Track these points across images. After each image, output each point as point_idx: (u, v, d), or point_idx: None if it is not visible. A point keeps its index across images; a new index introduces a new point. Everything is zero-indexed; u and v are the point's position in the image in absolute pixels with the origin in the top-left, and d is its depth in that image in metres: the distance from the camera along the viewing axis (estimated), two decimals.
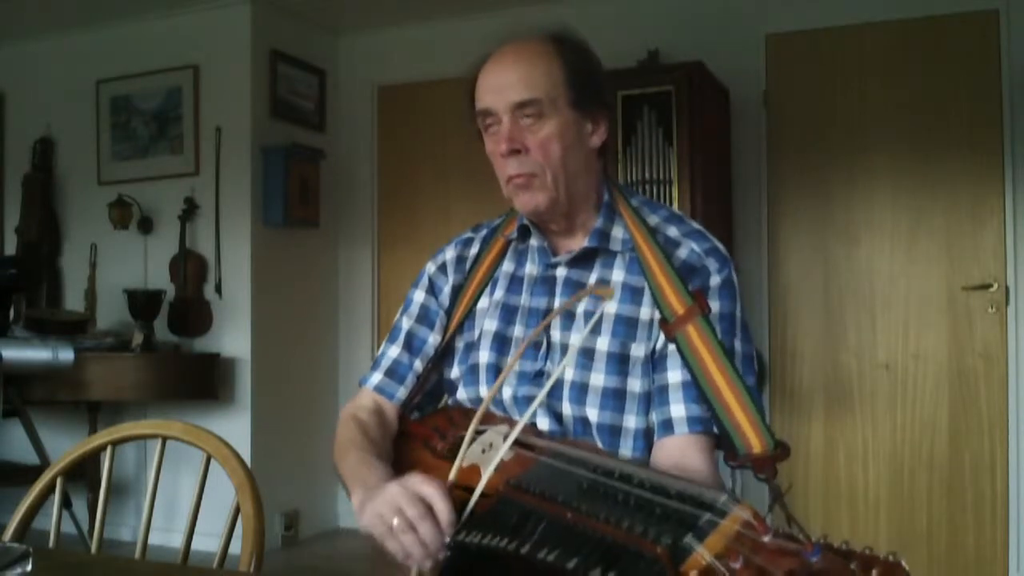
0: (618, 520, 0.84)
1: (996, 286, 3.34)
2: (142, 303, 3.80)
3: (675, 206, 3.09)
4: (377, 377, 1.33)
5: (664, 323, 1.15)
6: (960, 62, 3.40)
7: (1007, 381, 3.31)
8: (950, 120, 3.42)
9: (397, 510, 0.96)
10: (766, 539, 0.75)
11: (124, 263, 4.13)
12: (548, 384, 1.12)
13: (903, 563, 0.69)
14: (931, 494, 3.39)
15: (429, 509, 0.95)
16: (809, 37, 3.62)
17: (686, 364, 1.13)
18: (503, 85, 1.20)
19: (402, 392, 1.32)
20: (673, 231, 1.24)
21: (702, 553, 0.77)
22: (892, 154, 3.50)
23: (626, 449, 1.19)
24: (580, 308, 1.22)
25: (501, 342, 1.26)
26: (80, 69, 4.27)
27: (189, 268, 3.96)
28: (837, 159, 3.58)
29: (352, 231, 4.43)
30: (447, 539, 0.95)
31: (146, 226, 4.08)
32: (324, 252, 4.36)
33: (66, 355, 2.91)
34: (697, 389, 1.12)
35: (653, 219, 1.26)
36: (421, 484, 0.97)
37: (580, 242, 1.26)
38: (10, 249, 4.41)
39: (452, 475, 1.02)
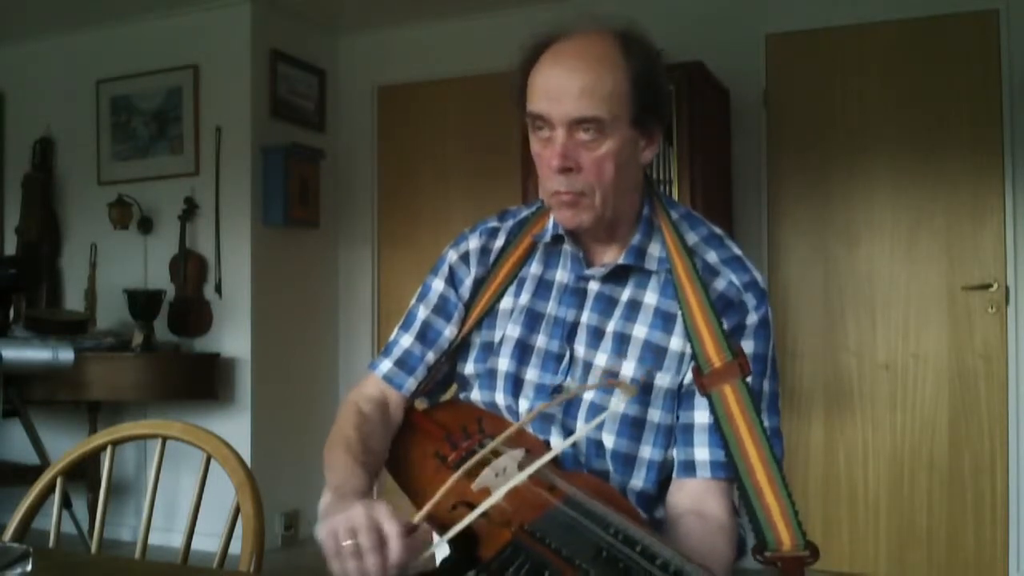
0: None
1: (996, 286, 3.34)
2: (142, 303, 3.80)
3: None
4: (387, 365, 1.29)
5: (698, 372, 1.11)
6: (960, 62, 3.40)
7: (1007, 381, 3.31)
8: (950, 120, 3.42)
9: (351, 533, 0.93)
10: None
11: (124, 263, 4.13)
12: (552, 454, 1.04)
13: None
14: (931, 494, 3.39)
15: (382, 544, 0.92)
16: (809, 37, 3.62)
17: (718, 428, 1.08)
18: (563, 93, 1.10)
19: (411, 383, 1.28)
20: (712, 257, 1.19)
21: None
22: (892, 154, 3.50)
23: (638, 480, 1.16)
24: (610, 327, 1.18)
25: (523, 350, 1.22)
26: (80, 69, 4.27)
27: (189, 268, 3.96)
28: (837, 159, 3.58)
29: (352, 231, 4.43)
30: None
31: (146, 226, 4.08)
32: (324, 252, 4.36)
33: (66, 355, 2.91)
34: (728, 459, 1.08)
35: (692, 238, 1.21)
36: (384, 518, 0.94)
37: (616, 254, 1.21)
38: (10, 249, 4.41)
39: (425, 510, 0.98)
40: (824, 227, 3.61)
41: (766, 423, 1.08)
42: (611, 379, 1.16)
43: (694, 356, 1.11)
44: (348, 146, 4.44)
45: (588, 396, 1.16)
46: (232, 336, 3.93)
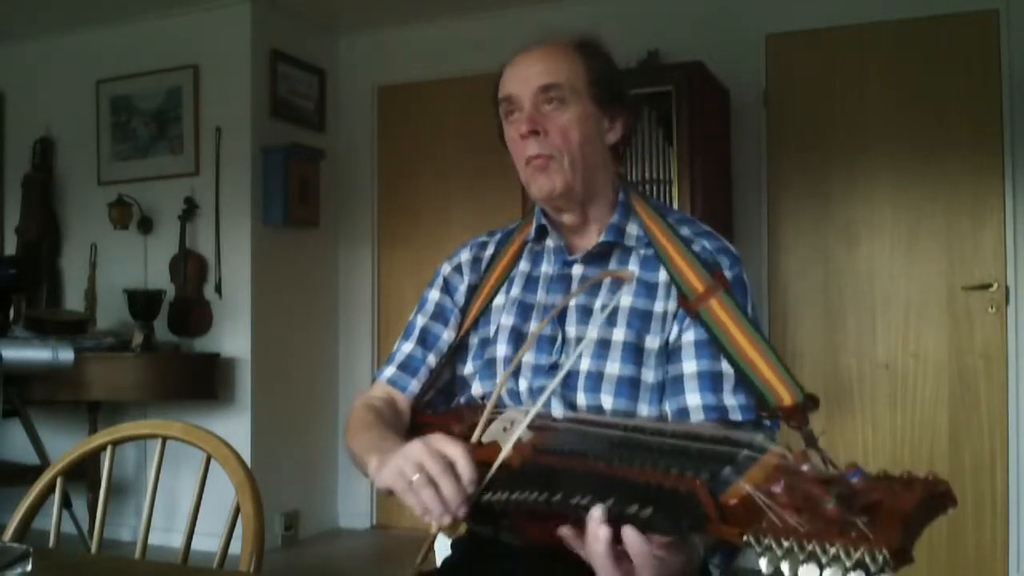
0: (654, 464, 0.84)
1: (996, 286, 3.34)
2: (142, 303, 3.80)
3: (675, 206, 3.10)
4: (390, 371, 1.35)
5: (684, 300, 1.19)
6: (960, 62, 3.40)
7: (1007, 381, 3.31)
8: (950, 120, 3.42)
9: (418, 466, 0.95)
10: (805, 467, 0.74)
11: (124, 263, 4.13)
12: (562, 373, 1.12)
13: (943, 480, 0.68)
14: None
15: (451, 466, 0.95)
16: (809, 37, 3.62)
17: (709, 333, 1.16)
18: (528, 74, 1.25)
19: (414, 385, 1.33)
20: (685, 230, 1.28)
21: (742, 484, 0.76)
22: (892, 154, 3.50)
23: None
24: (597, 303, 1.25)
25: (518, 337, 1.28)
26: (80, 69, 4.27)
27: (189, 268, 3.96)
28: (837, 159, 3.58)
29: (352, 231, 4.43)
30: (468, 494, 0.94)
31: (146, 226, 4.09)
32: (324, 252, 4.36)
33: (66, 355, 2.91)
34: (722, 352, 1.16)
35: (668, 219, 1.30)
36: (444, 443, 0.97)
37: (595, 239, 1.28)
38: (10, 249, 4.41)
39: (476, 436, 1.03)
40: (824, 227, 3.61)
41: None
42: (607, 272, 1.25)
43: (679, 291, 1.20)
44: (348, 146, 4.44)
45: (585, 366, 1.21)
46: (232, 336, 3.93)
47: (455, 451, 0.96)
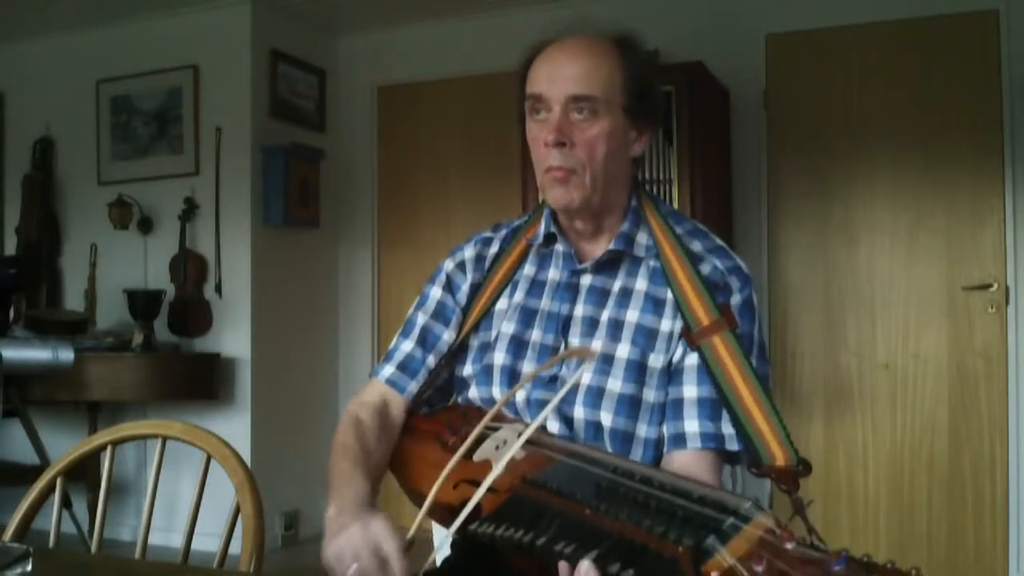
0: (638, 520, 0.84)
1: (996, 286, 3.34)
2: (142, 303, 3.80)
3: (675, 206, 3.09)
4: (389, 370, 1.33)
5: (687, 331, 1.16)
6: (960, 62, 3.40)
7: (1007, 381, 3.31)
8: (950, 120, 3.42)
9: (356, 557, 0.98)
10: (789, 546, 0.74)
11: (124, 263, 4.13)
12: (563, 390, 1.10)
13: None
14: (931, 494, 3.39)
15: (384, 563, 0.97)
16: (809, 37, 3.62)
17: (709, 373, 1.13)
18: (563, 75, 1.19)
19: (413, 386, 1.32)
20: (697, 246, 1.24)
21: (724, 555, 0.76)
22: (892, 154, 3.50)
23: (635, 457, 1.19)
24: (604, 315, 1.22)
25: (518, 345, 1.26)
26: (80, 69, 4.27)
27: (189, 268, 3.96)
28: (837, 159, 3.58)
29: (352, 231, 4.43)
30: None
31: (146, 226, 4.09)
32: (324, 252, 4.36)
33: (66, 355, 2.91)
34: (720, 397, 1.12)
35: (678, 230, 1.26)
36: (383, 537, 0.99)
37: (605, 247, 1.25)
38: (10, 249, 4.41)
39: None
40: (824, 227, 3.61)
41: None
42: (568, 351, 1.22)
43: (683, 318, 1.17)
44: (348, 146, 4.44)
45: (585, 380, 1.19)
46: (232, 336, 3.93)
47: (390, 548, 0.97)
